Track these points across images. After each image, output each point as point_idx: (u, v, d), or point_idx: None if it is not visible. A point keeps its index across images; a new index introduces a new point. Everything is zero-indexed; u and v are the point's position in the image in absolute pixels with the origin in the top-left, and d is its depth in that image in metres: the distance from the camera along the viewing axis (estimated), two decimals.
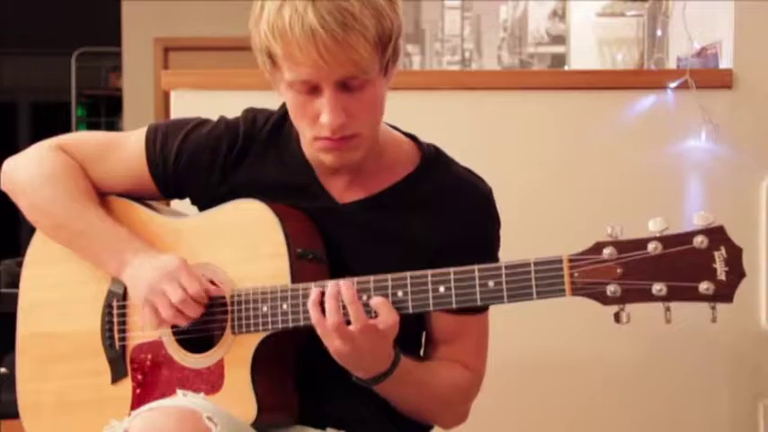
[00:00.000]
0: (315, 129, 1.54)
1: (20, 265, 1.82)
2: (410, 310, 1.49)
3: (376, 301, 1.48)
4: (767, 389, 2.51)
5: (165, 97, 2.71)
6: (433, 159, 1.68)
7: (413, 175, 1.66)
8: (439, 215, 1.64)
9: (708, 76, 2.52)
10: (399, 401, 1.63)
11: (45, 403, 1.77)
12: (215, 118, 1.75)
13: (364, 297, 1.49)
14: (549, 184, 2.54)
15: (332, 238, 1.64)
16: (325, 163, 1.60)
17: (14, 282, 1.82)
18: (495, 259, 1.66)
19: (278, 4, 1.48)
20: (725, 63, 2.55)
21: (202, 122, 1.74)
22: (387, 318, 1.48)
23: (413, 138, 1.71)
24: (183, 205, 1.84)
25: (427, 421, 1.70)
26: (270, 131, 1.70)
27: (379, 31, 1.49)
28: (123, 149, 1.75)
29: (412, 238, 1.63)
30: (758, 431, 2.50)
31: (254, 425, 1.57)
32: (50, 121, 8.59)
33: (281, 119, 1.70)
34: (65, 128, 7.86)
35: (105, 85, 8.51)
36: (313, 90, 1.51)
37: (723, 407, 2.52)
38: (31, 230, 1.81)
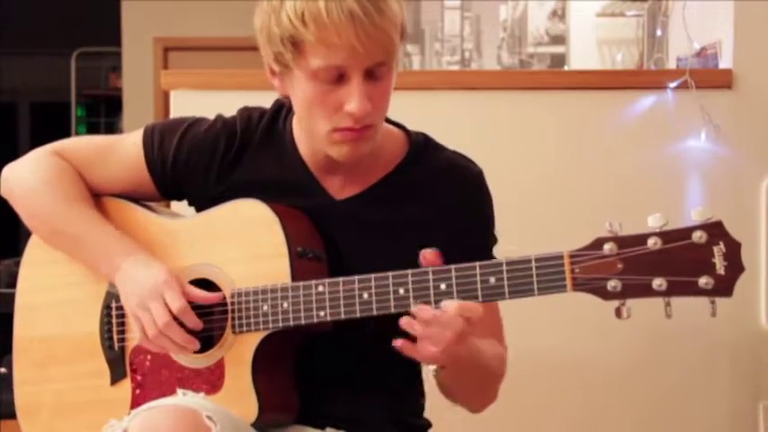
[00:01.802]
0: (334, 120, 1.54)
1: (19, 265, 1.82)
2: (412, 308, 1.48)
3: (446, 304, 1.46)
4: (767, 390, 2.51)
5: (165, 97, 2.71)
6: (421, 146, 1.69)
7: (403, 163, 1.67)
8: (434, 200, 1.65)
9: (707, 76, 2.52)
10: (458, 379, 1.58)
11: (43, 405, 1.76)
12: (212, 117, 1.75)
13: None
14: (549, 184, 2.54)
15: (331, 235, 1.64)
16: (335, 157, 1.59)
17: (14, 282, 1.81)
18: (494, 237, 1.68)
19: None
20: (724, 63, 2.55)
21: (199, 121, 1.73)
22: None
23: (401, 127, 1.72)
24: (182, 206, 1.84)
25: (473, 401, 1.67)
26: (265, 129, 1.70)
27: (401, 19, 1.53)
28: (120, 152, 1.75)
29: (410, 226, 1.63)
30: None
31: (255, 424, 1.56)
32: (50, 122, 8.59)
33: (274, 116, 1.70)
34: (65, 128, 7.87)
35: (105, 86, 8.50)
36: (338, 78, 1.51)
37: (723, 407, 2.52)
38: (30, 231, 1.80)
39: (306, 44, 1.49)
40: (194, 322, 1.58)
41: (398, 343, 1.46)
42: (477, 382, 1.62)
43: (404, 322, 1.46)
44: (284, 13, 1.50)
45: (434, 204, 1.64)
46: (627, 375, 2.53)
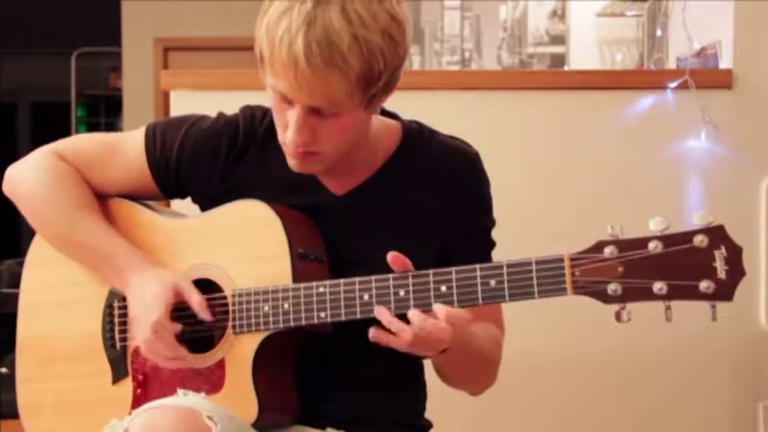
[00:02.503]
0: (282, 134, 1.57)
1: (21, 265, 1.82)
2: (412, 309, 1.49)
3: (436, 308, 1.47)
4: (767, 390, 2.52)
5: (165, 97, 2.71)
6: (415, 133, 1.69)
7: (398, 151, 1.67)
8: (431, 185, 1.65)
9: (707, 76, 2.52)
10: (450, 365, 1.61)
11: (45, 404, 1.77)
12: (213, 115, 1.75)
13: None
14: (549, 184, 2.54)
15: (334, 231, 1.64)
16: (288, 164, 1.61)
17: (16, 282, 1.82)
18: (492, 219, 1.69)
19: (280, 11, 1.47)
20: (724, 63, 2.55)
21: (200, 118, 1.74)
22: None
23: (395, 116, 1.72)
24: (183, 206, 1.84)
25: (470, 385, 1.70)
26: (267, 128, 1.70)
27: (365, 72, 1.47)
28: (122, 151, 1.75)
29: (410, 213, 1.64)
30: None
31: (255, 425, 1.57)
32: (50, 122, 8.61)
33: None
34: (65, 128, 7.87)
35: (105, 86, 8.51)
36: (287, 101, 1.53)
37: (722, 408, 2.52)
38: (32, 231, 1.81)
39: (264, 60, 1.51)
40: (170, 342, 1.59)
41: (372, 333, 1.48)
42: (470, 364, 1.63)
43: (372, 335, 1.48)
44: (263, 23, 1.51)
45: (432, 189, 1.65)
46: (627, 376, 2.53)
